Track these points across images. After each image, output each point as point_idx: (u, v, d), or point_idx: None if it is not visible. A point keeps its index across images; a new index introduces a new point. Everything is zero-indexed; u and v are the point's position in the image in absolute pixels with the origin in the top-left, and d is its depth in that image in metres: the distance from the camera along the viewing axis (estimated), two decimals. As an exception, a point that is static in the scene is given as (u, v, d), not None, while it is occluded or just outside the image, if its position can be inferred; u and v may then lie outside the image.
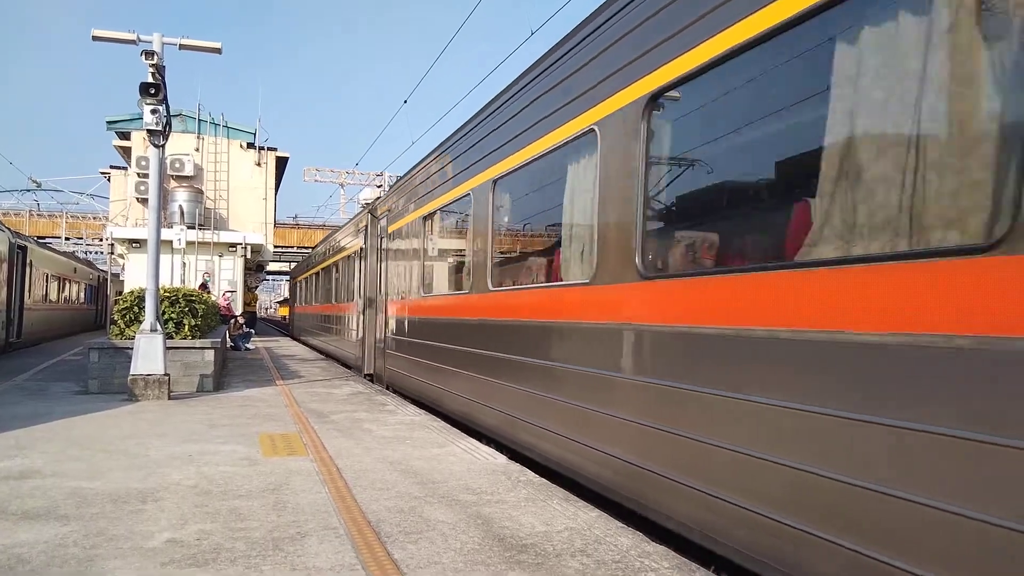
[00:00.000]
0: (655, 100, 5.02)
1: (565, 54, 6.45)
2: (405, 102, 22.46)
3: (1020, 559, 2.65)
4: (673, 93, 4.92)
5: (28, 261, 22.62)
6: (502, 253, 8.15)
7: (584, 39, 6.09)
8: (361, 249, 16.23)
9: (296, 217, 58.32)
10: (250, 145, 33.97)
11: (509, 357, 7.36)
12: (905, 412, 3.01)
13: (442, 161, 10.52)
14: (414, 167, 12.39)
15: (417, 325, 11.36)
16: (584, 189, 6.08)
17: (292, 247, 52.87)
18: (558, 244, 6.80)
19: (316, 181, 60.19)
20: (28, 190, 47.36)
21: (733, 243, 4.71)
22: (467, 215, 8.96)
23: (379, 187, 47.56)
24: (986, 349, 2.72)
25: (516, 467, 6.70)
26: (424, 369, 10.69)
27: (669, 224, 5.29)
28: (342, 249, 19.97)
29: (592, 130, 5.69)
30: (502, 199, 8.11)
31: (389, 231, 13.98)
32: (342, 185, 59.28)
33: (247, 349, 23.40)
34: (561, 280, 6.61)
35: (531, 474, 6.42)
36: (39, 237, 40.55)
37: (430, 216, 11.01)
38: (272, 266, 52.75)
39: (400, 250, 12.93)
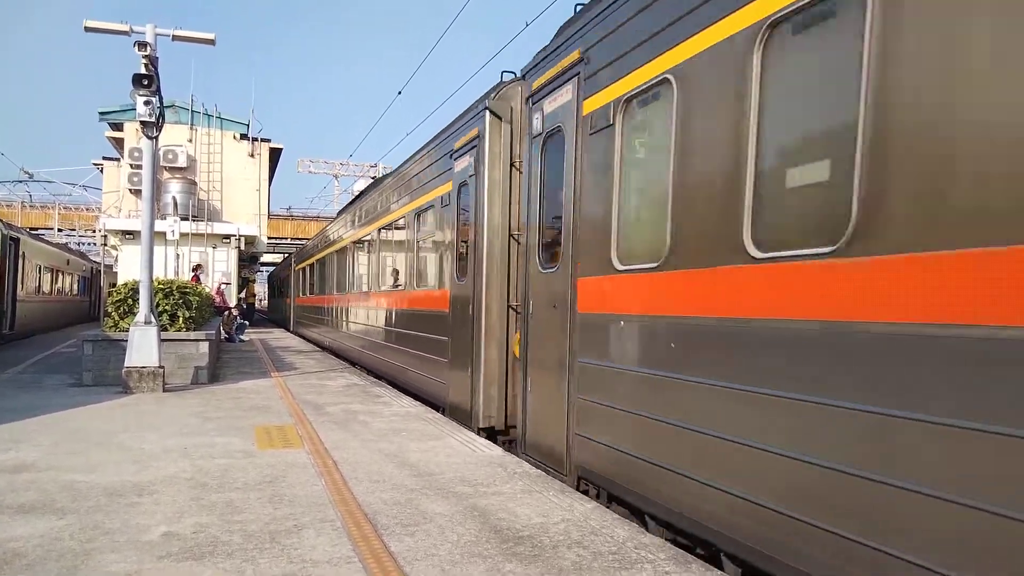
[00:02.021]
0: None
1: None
2: (399, 93, 22.42)
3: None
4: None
5: (21, 253, 22.52)
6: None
7: None
8: (291, 273, 33.73)
9: (290, 209, 58.23)
10: (243, 136, 33.79)
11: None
12: None
13: (321, 238, 24.84)
14: (303, 246, 32.15)
15: (308, 309, 26.26)
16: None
17: (286, 238, 52.70)
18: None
19: (310, 172, 60.16)
20: (20, 181, 47.16)
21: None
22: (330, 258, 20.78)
23: (373, 178, 47.44)
24: None
25: (512, 459, 6.71)
26: (313, 325, 24.51)
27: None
28: (287, 271, 37.03)
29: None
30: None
31: (295, 269, 31.79)
32: (336, 176, 59.23)
33: (241, 341, 23.35)
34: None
35: (527, 466, 6.43)
36: (32, 228, 40.31)
37: (310, 265, 25.81)
38: (266, 257, 52.59)
39: (300, 276, 29.80)
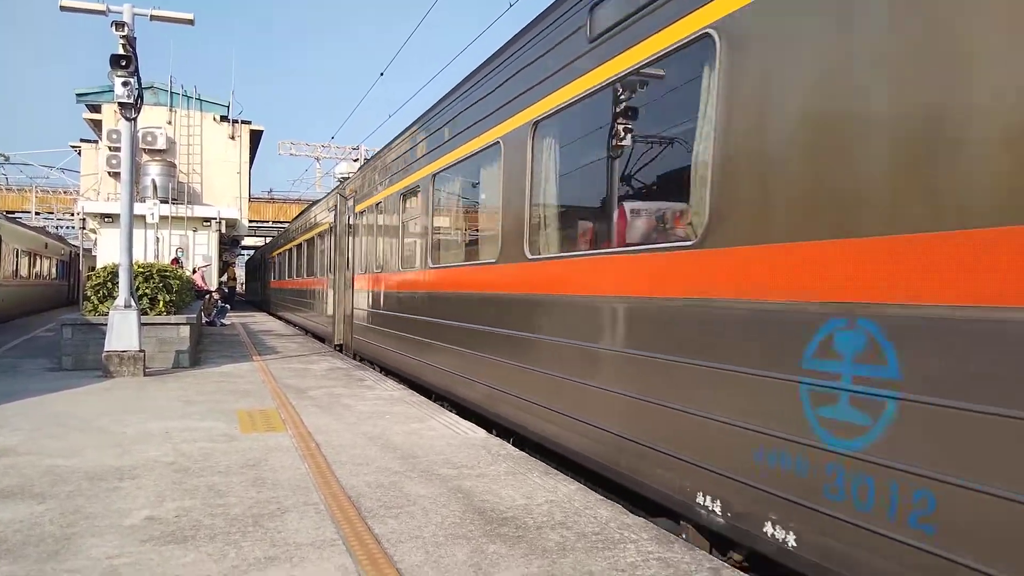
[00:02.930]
0: None
1: None
2: (381, 75, 22.25)
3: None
4: None
5: (-3, 236, 22.22)
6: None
7: None
8: (263, 261, 39.91)
9: (271, 192, 57.85)
10: (223, 118, 33.41)
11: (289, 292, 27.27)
12: None
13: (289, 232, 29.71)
14: (268, 243, 41.70)
15: (273, 289, 33.60)
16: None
17: (267, 221, 52.32)
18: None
19: (291, 155, 59.55)
20: (-4, 164, 46.39)
21: None
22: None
23: (355, 160, 47.17)
24: None
25: (496, 441, 6.72)
26: (277, 301, 31.33)
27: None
28: (262, 259, 42.88)
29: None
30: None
31: (266, 258, 38.00)
32: (318, 159, 58.69)
33: (223, 324, 23.22)
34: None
35: (511, 448, 6.45)
36: (8, 212, 39.81)
37: (281, 252, 30.65)
38: (247, 240, 52.20)
39: (268, 264, 36.48)
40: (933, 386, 2.86)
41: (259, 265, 45.73)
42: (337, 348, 16.13)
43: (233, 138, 33.37)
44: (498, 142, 7.24)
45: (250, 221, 38.99)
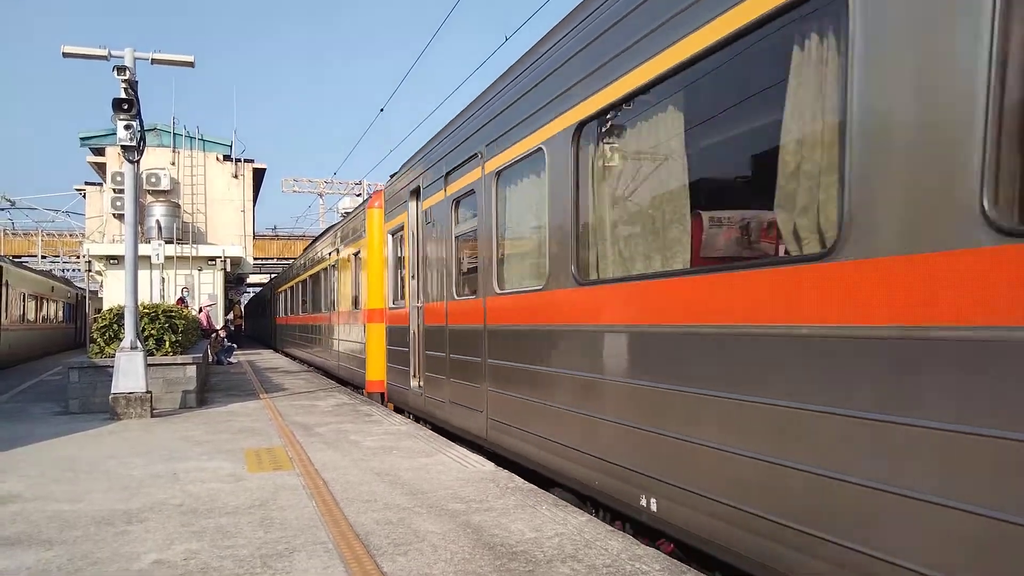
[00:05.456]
0: None
1: None
2: (381, 110, 22.45)
3: None
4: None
5: (4, 281, 22.35)
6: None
7: None
8: (259, 303, 52.33)
9: (275, 228, 58.05)
10: (226, 157, 33.67)
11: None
12: None
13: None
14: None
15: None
16: None
17: (272, 258, 52.52)
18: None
19: (294, 192, 59.77)
20: (2, 209, 46.72)
21: None
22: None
23: (358, 195, 47.43)
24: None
25: (505, 474, 6.68)
26: (267, 334, 42.10)
27: None
28: (259, 301, 51.88)
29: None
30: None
31: (264, 299, 48.58)
32: (321, 195, 58.99)
33: (229, 363, 23.21)
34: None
35: (520, 481, 6.40)
36: (15, 256, 40.10)
37: (266, 300, 45.75)
38: (252, 278, 52.35)
39: (263, 305, 47.94)
40: None
41: (256, 305, 57.25)
42: (272, 348, 34.03)
43: (236, 176, 33.61)
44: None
45: (255, 259, 39.09)
